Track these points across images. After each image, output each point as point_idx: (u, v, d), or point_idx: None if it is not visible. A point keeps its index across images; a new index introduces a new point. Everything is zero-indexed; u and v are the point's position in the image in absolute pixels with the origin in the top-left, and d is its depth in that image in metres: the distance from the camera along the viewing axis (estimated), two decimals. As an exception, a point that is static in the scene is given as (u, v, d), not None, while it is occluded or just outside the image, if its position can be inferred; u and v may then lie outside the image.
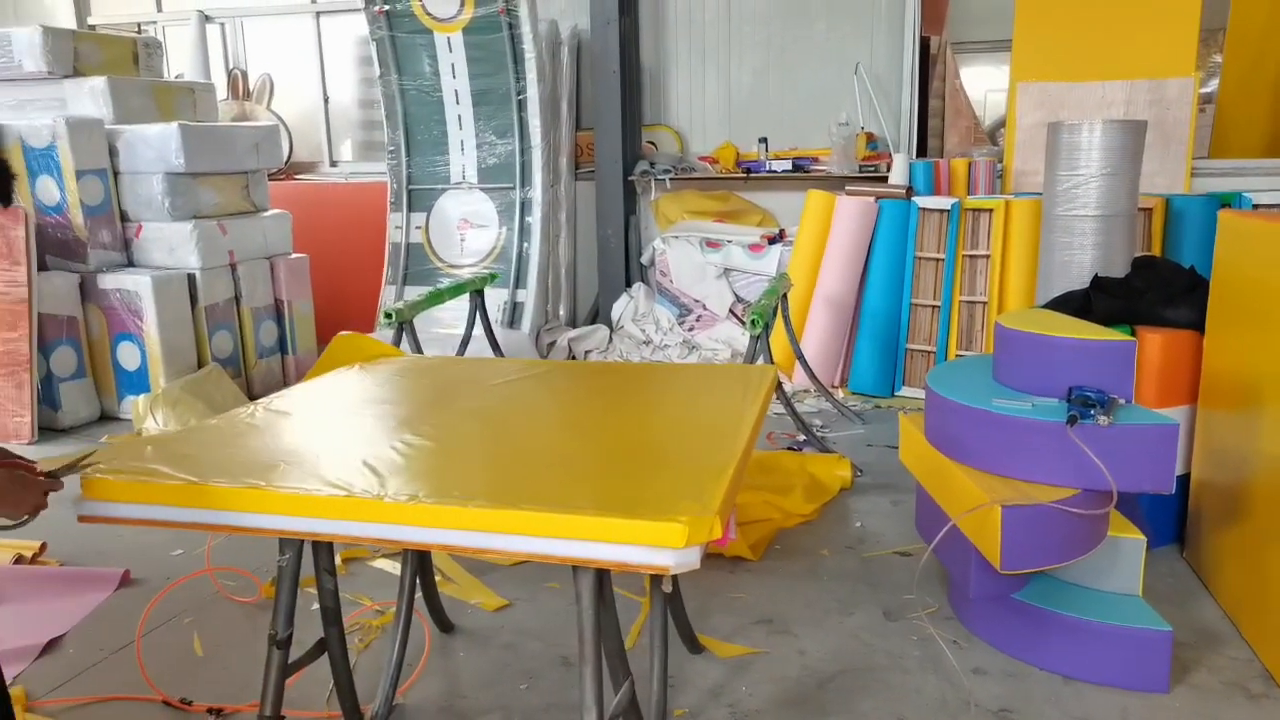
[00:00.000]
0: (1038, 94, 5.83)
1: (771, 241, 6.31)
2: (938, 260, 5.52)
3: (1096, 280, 3.82)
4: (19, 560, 3.43)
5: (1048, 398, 2.71)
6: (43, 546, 3.54)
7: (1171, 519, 3.39)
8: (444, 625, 2.97)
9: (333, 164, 7.82)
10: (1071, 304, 3.61)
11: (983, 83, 10.51)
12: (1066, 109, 5.72)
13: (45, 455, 1.91)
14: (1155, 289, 3.49)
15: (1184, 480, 3.28)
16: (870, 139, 6.39)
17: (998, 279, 5.38)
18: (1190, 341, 3.27)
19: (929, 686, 2.62)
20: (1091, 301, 3.57)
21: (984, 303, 5.42)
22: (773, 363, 4.48)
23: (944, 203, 5.52)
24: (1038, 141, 5.55)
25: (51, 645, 2.92)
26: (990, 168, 5.87)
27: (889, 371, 5.60)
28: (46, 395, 5.10)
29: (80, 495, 1.88)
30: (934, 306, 5.53)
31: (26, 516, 1.71)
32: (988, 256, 5.41)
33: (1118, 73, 5.63)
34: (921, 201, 5.59)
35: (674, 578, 2.25)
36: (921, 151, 6.58)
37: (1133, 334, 3.32)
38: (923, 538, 3.16)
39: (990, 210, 5.42)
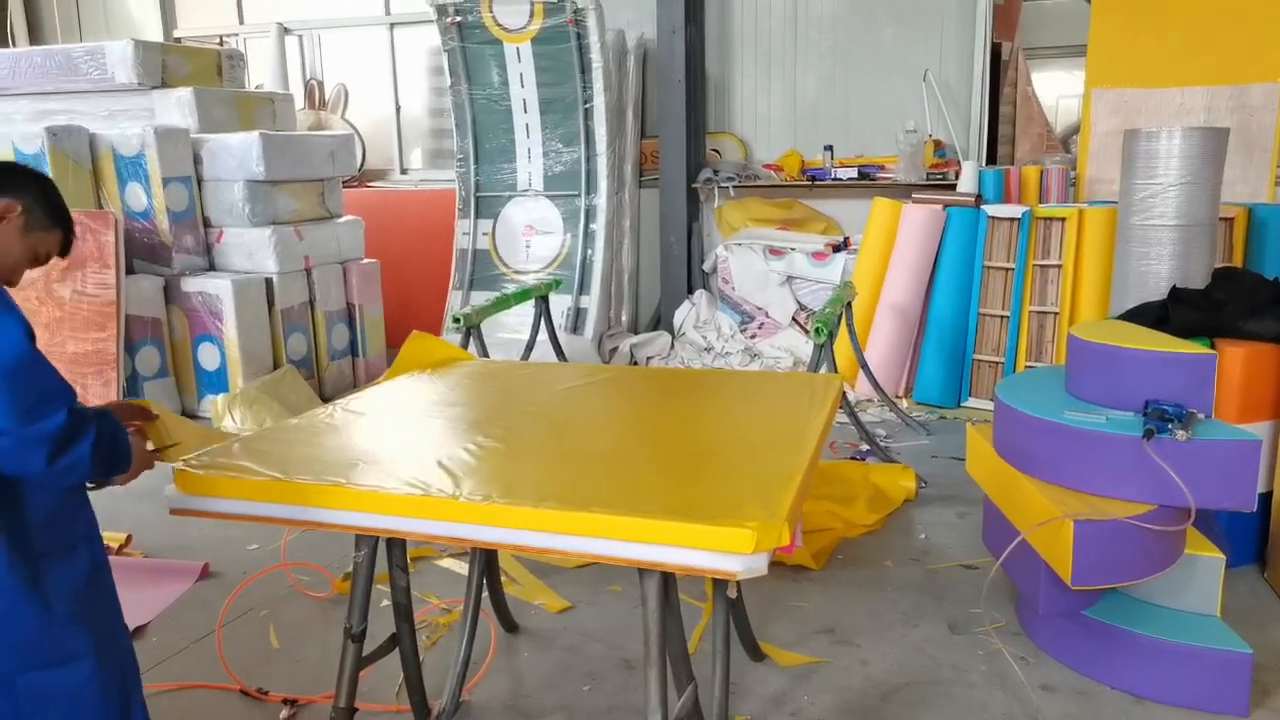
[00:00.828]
0: (1113, 100, 5.69)
1: (836, 249, 6.28)
2: (1007, 270, 5.43)
3: (1175, 292, 3.72)
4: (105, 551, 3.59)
5: (1123, 411, 2.65)
6: (128, 538, 3.70)
7: (1252, 537, 3.29)
8: (509, 625, 3.02)
9: (403, 171, 8.00)
10: (1148, 315, 3.52)
11: (1055, 89, 10.31)
12: (1143, 116, 5.58)
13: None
14: (1237, 301, 3.39)
15: (1265, 498, 3.18)
16: (938, 146, 6.32)
17: (1070, 289, 5.26)
18: (1273, 355, 3.17)
19: (995, 702, 2.58)
20: (1169, 313, 3.48)
21: (1055, 313, 5.31)
22: (836, 371, 4.46)
23: (1014, 211, 5.42)
24: (1113, 149, 5.43)
25: (136, 634, 3.04)
26: (1063, 175, 5.75)
27: (955, 382, 5.52)
28: (131, 393, 5.31)
29: (172, 490, 1.97)
30: (1003, 316, 5.44)
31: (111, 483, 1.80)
32: (1059, 266, 5.30)
33: (1198, 78, 5.47)
34: (991, 210, 5.50)
35: (739, 584, 2.27)
36: (991, 159, 6.49)
37: (1212, 347, 3.23)
38: (990, 551, 3.12)
39: (1063, 219, 5.31)
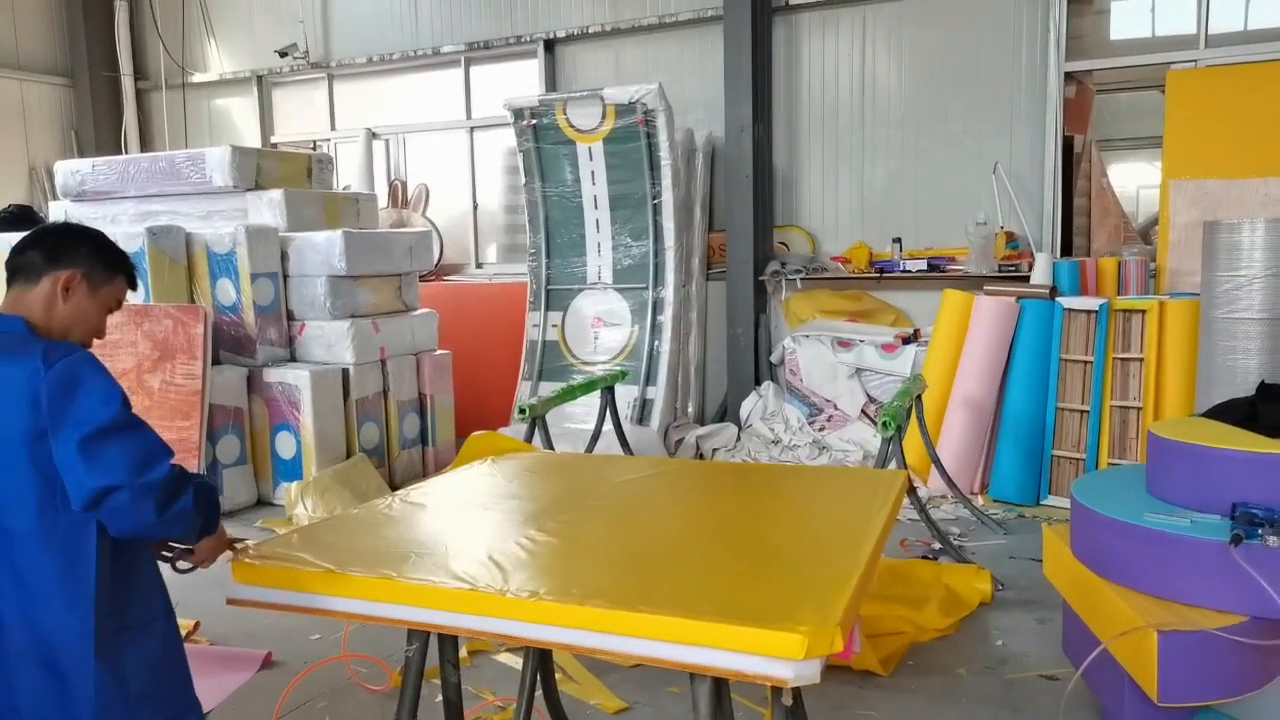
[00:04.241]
0: (1193, 192, 5.58)
1: (905, 341, 6.19)
2: (1086, 362, 5.27)
3: (1264, 387, 3.54)
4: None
5: (1208, 514, 2.51)
6: (196, 625, 3.76)
7: (1364, 655, 3.03)
8: (563, 725, 2.95)
9: (478, 265, 8.25)
10: (1235, 412, 3.35)
11: (1135, 179, 10.16)
12: (1225, 207, 5.44)
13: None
14: (1332, 398, 3.21)
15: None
16: (1010, 238, 6.24)
17: (1153, 383, 5.07)
18: (1376, 456, 2.97)
19: (1079, 829, 2.40)
20: (1258, 410, 3.31)
21: (1138, 408, 5.11)
22: (905, 466, 4.34)
23: (1091, 303, 5.29)
24: (1194, 240, 5.29)
25: (198, 720, 3.07)
26: (1142, 267, 5.61)
27: (1033, 478, 5.32)
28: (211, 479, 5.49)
29: (230, 579, 2.01)
30: (1083, 411, 5.25)
31: (204, 565, 1.94)
32: (1141, 360, 5.13)
33: (1283, 168, 5.34)
34: (1067, 302, 5.39)
35: (795, 690, 2.18)
36: (1066, 250, 6.38)
37: (1307, 446, 3.05)
38: (1071, 661, 2.94)
39: (1143, 311, 5.16)
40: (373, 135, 8.50)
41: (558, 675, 3.06)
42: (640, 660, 1.75)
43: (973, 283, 6.02)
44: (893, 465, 4.19)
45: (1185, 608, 2.42)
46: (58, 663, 1.68)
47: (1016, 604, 3.87)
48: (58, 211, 6.75)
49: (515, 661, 3.42)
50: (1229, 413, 3.34)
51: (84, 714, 1.69)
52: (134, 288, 1.96)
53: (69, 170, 6.71)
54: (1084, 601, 2.74)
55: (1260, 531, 2.33)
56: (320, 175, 6.80)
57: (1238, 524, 2.38)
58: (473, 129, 8.16)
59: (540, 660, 2.71)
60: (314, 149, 8.64)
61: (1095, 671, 2.57)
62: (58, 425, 1.62)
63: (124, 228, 5.88)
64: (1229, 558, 2.33)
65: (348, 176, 8.55)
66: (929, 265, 6.36)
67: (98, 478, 1.61)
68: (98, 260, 1.85)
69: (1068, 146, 6.39)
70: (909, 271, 6.41)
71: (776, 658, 1.59)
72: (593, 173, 6.65)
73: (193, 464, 5.22)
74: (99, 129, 9.22)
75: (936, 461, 4.93)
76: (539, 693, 2.80)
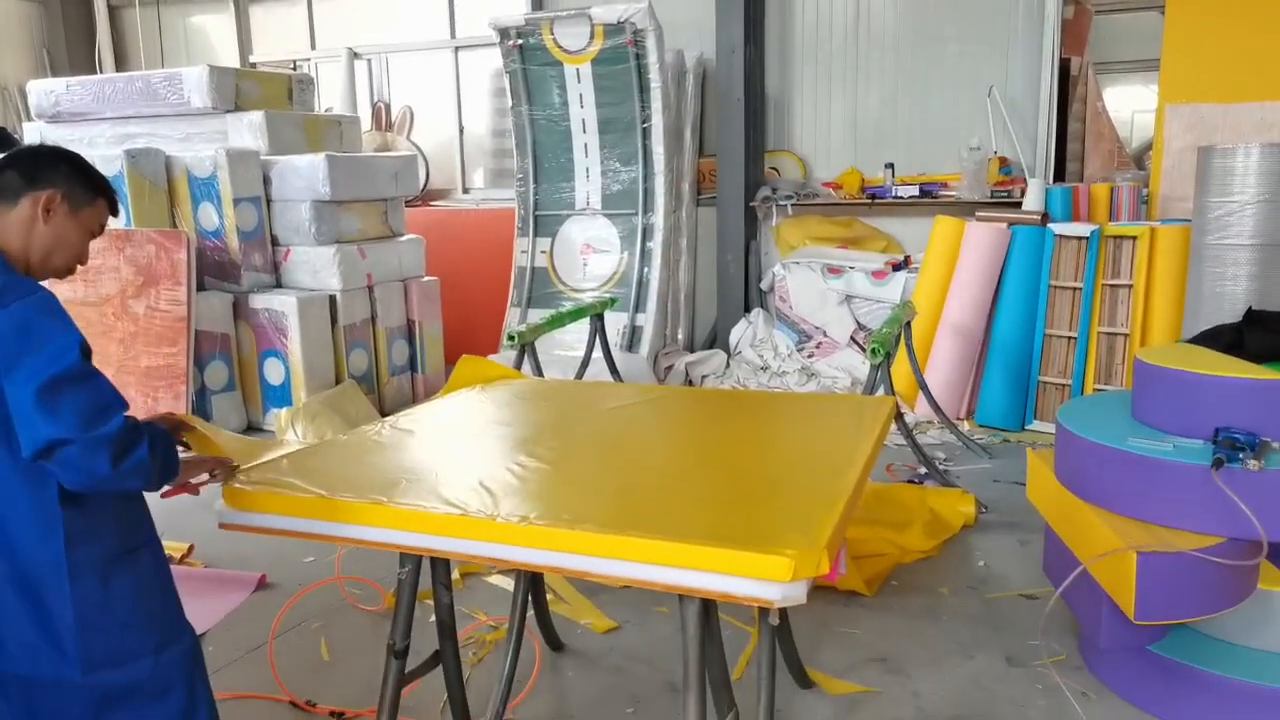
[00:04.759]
0: (1189, 116, 5.51)
1: (896, 268, 6.17)
2: (1075, 289, 5.27)
3: (1251, 314, 3.58)
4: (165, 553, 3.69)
5: (1191, 439, 2.54)
6: (190, 548, 3.80)
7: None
8: (554, 644, 3.02)
9: (465, 191, 8.13)
10: (1221, 339, 3.39)
11: (1130, 103, 10.01)
12: (1221, 132, 5.38)
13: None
14: (1318, 324, 3.24)
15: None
16: (1004, 163, 6.18)
17: (1141, 310, 5.09)
18: (1358, 382, 3.00)
19: (1053, 740, 2.49)
20: (1244, 336, 3.34)
21: (1125, 335, 5.13)
22: (893, 392, 4.37)
23: (1083, 229, 5.27)
24: (1188, 166, 5.24)
25: (195, 641, 3.12)
26: (1135, 193, 5.57)
27: (1019, 404, 5.37)
28: (199, 406, 5.48)
29: (221, 505, 2.02)
30: (1070, 338, 5.27)
31: (219, 476, 1.99)
32: (1130, 286, 5.13)
33: (1279, 93, 5.27)
34: (1058, 228, 5.36)
35: (782, 611, 2.22)
36: (1059, 176, 6.32)
37: (1291, 372, 3.07)
38: (1051, 581, 3.01)
39: (1134, 237, 5.14)
40: (354, 55, 8.27)
41: (549, 596, 3.12)
42: (630, 582, 1.77)
43: (965, 209, 5.98)
44: (880, 391, 4.22)
45: (1165, 530, 2.46)
46: (37, 593, 1.69)
47: (999, 526, 3.94)
48: (32, 133, 6.59)
49: (507, 583, 3.48)
50: (1215, 339, 3.37)
51: (68, 642, 1.70)
52: (115, 212, 1.90)
53: (43, 90, 6.52)
54: (1066, 524, 2.79)
55: (1241, 456, 2.36)
56: (301, 97, 6.64)
57: (1220, 448, 2.40)
58: (457, 49, 7.95)
59: (531, 582, 2.76)
60: (294, 69, 8.41)
61: (1074, 591, 2.63)
62: (12, 370, 1.57)
63: (101, 150, 5.74)
64: (1210, 481, 2.36)
65: (329, 98, 8.35)
66: (921, 191, 6.30)
67: (49, 429, 1.56)
68: (78, 180, 1.79)
69: (1064, 69, 6.28)
70: (901, 198, 6.35)
71: (764, 579, 1.61)
72: (581, 95, 6.50)
73: (181, 390, 5.21)
74: (71, 48, 8.94)
75: (924, 387, 4.97)
76: (530, 613, 2.86)
